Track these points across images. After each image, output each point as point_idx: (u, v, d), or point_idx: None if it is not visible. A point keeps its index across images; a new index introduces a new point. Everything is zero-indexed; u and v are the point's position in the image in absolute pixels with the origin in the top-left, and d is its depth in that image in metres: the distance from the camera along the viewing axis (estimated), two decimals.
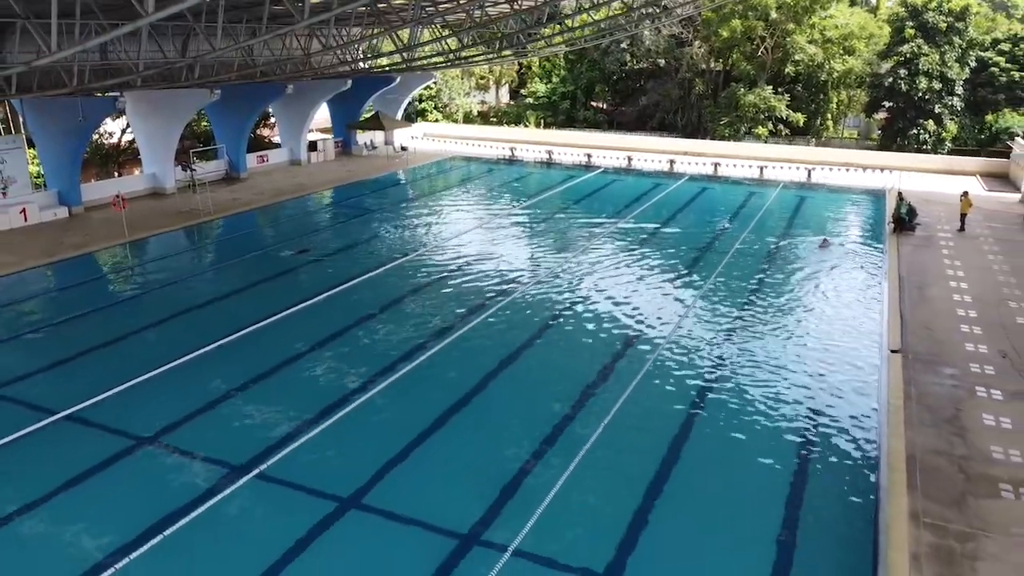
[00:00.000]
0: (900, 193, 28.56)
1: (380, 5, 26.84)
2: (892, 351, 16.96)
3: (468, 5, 26.97)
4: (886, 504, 11.41)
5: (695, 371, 16.42)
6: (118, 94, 27.84)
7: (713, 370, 16.47)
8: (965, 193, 27.96)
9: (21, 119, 33.73)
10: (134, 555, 10.25)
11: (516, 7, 28.03)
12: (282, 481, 12.13)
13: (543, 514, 11.22)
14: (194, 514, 11.15)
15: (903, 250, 25.15)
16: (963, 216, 27.64)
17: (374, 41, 35.87)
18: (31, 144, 30.88)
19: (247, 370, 16.02)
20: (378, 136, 45.88)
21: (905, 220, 26.99)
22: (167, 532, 10.72)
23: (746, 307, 20.53)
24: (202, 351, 16.93)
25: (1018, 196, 32.94)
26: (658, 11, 36.12)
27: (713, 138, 48.52)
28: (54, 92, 22.83)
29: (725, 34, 46.17)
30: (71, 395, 14.68)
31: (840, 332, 18.80)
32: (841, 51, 48.09)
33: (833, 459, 13.06)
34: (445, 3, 28.56)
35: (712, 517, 11.49)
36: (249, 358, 16.74)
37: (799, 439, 13.68)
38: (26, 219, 26.71)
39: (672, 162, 40.45)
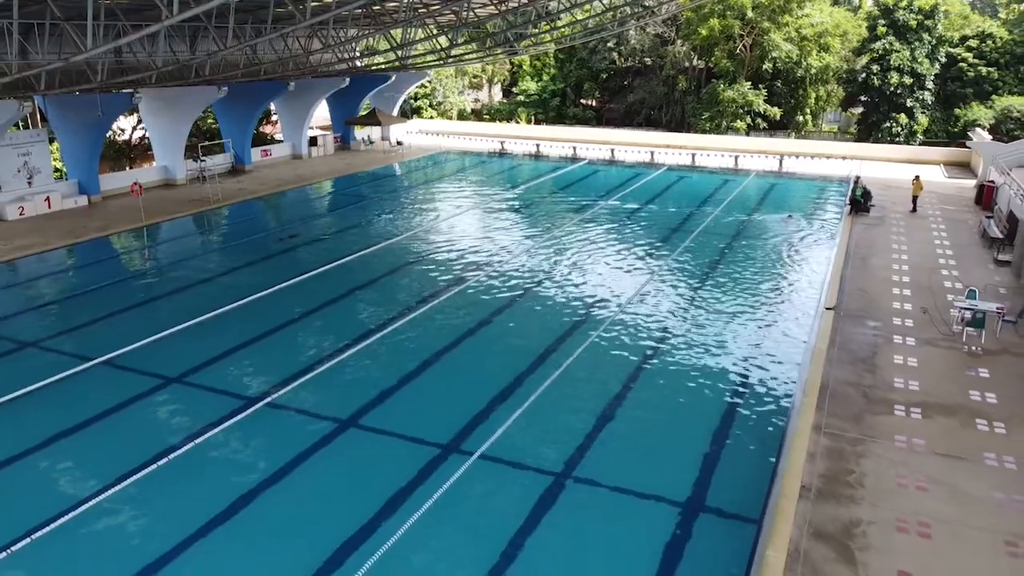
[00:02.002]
0: (857, 178, 30.78)
1: (374, 7, 29.16)
2: (827, 308, 19.21)
3: (455, 5, 29.21)
4: (795, 419, 13.66)
5: (657, 319, 18.87)
6: (133, 90, 30.07)
7: (673, 318, 18.94)
8: (916, 177, 30.22)
9: (38, 115, 36.08)
10: (171, 456, 12.51)
11: (501, 8, 30.31)
12: (288, 407, 14.37)
13: (507, 429, 13.51)
14: (217, 429, 13.43)
15: (855, 228, 27.41)
16: (915, 198, 29.92)
17: (370, 41, 38.14)
18: (51, 138, 33.13)
19: (256, 327, 18.28)
20: (375, 132, 48.20)
21: (860, 202, 29.23)
22: (197, 441, 13.00)
23: (708, 272, 22.89)
24: (216, 313, 19.19)
25: (973, 182, 35.14)
26: (640, 10, 38.33)
27: (695, 132, 50.79)
28: (78, 88, 25.06)
29: (704, 33, 48.46)
30: (106, 345, 16.93)
31: (786, 294, 21.16)
32: (817, 48, 50.34)
33: (762, 388, 15.34)
34: (435, 4, 30.84)
35: (658, 427, 13.85)
36: (257, 319, 18.96)
37: (737, 373, 15.97)
38: (50, 206, 29.02)
39: (652, 154, 42.74)
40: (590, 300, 20.51)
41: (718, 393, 15.18)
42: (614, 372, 16.06)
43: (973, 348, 16.67)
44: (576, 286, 21.69)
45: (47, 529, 10.69)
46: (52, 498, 11.45)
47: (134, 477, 11.94)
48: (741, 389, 15.33)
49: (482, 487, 11.92)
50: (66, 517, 10.96)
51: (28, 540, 10.45)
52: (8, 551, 10.22)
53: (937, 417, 13.63)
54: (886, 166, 40.59)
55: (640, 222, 29.44)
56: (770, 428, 13.83)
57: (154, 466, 12.25)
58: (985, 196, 30.45)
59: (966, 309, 17.22)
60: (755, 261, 24.31)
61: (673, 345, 17.46)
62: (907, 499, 11.18)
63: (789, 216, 29.44)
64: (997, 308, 17.33)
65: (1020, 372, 15.49)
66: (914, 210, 29.68)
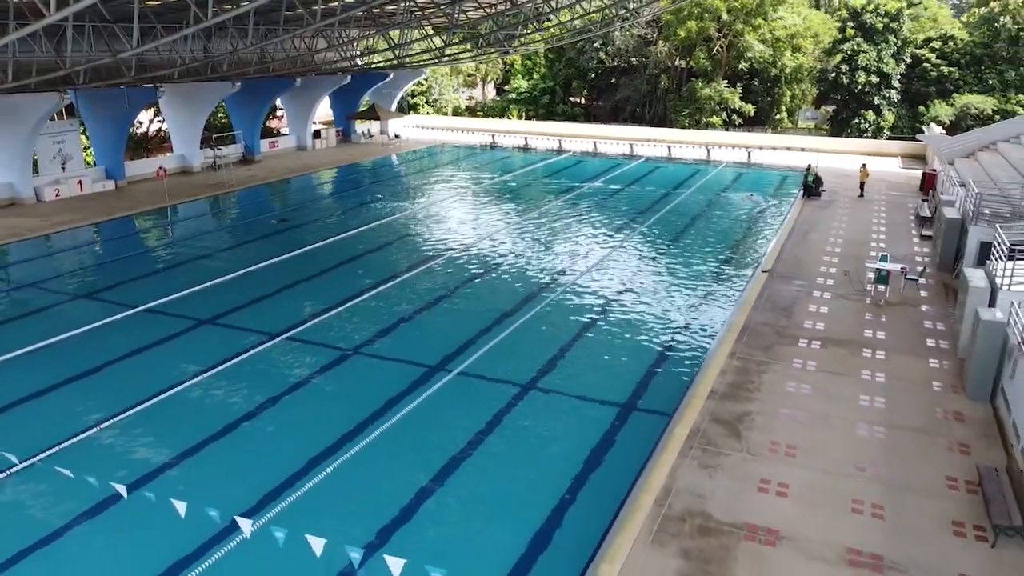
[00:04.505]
0: (809, 165, 33.93)
1: (374, 10, 32.30)
2: (764, 271, 22.41)
3: (448, 9, 32.40)
4: (715, 348, 16.85)
5: (619, 277, 22.34)
6: (156, 85, 33.17)
7: (632, 276, 22.39)
8: (863, 165, 33.45)
9: (63, 108, 39.09)
10: (210, 373, 15.70)
11: (488, 11, 33.49)
12: (305, 341, 17.55)
13: (482, 352, 16.72)
14: (244, 356, 16.61)
15: (805, 210, 30.62)
16: (862, 184, 33.12)
17: (370, 41, 41.31)
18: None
19: (273, 285, 21.47)
20: (374, 126, 51.41)
21: (812, 187, 32.43)
22: (227, 364, 16.17)
23: (668, 244, 26.23)
24: (237, 274, 22.36)
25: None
26: (623, 12, 41.42)
27: (676, 128, 53.95)
28: (112, 83, 28.20)
29: (682, 34, 51.66)
30: (146, 297, 20.12)
31: (731, 261, 24.37)
32: (790, 49, 53.48)
33: (696, 328, 18.61)
34: (430, 7, 34.04)
35: (609, 353, 17.07)
36: (273, 279, 22.08)
37: (678, 318, 19.23)
38: (82, 189, 32.18)
39: (632, 146, 45.97)
40: (563, 262, 23.85)
41: (660, 331, 18.38)
42: (578, 315, 19.29)
43: (880, 301, 19.83)
44: (552, 252, 25.04)
45: (113, 421, 13.88)
46: (117, 401, 14.61)
47: (178, 388, 15.16)
48: (679, 328, 18.55)
49: (458, 394, 15.09)
50: (137, 408, 14.16)
51: (107, 424, 13.65)
52: (84, 435, 13.41)
53: (832, 348, 16.79)
54: (849, 158, 43.70)
55: (614, 204, 32.71)
56: (696, 356, 17.02)
57: (197, 378, 15.47)
58: (927, 182, 33.66)
59: (874, 269, 20.40)
60: (710, 236, 27.53)
61: (630, 296, 20.74)
62: (791, 399, 14.35)
63: (750, 195, 32.76)
64: (901, 268, 20.53)
65: (912, 318, 18.67)
66: (861, 195, 32.86)
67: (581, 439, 13.39)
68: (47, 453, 12.59)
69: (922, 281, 20.98)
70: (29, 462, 12.29)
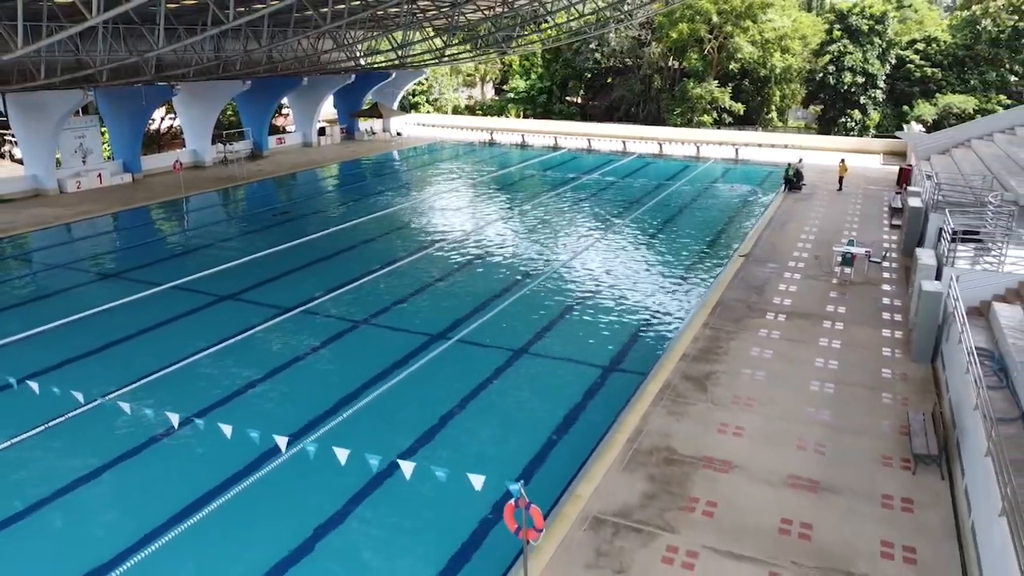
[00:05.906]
0: (791, 162, 35.74)
1: (378, 12, 34.08)
2: (741, 256, 24.19)
3: (448, 11, 34.18)
4: (690, 320, 18.63)
5: (606, 261, 24.04)
6: (172, 84, 34.96)
7: (619, 259, 24.14)
8: (842, 160, 35.24)
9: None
10: (220, 347, 17.45)
11: (487, 13, 35.28)
12: (317, 313, 19.33)
13: (480, 323, 18.51)
14: (265, 325, 18.40)
15: (785, 202, 32.40)
16: (841, 178, 34.90)
17: (373, 42, 43.12)
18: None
19: (287, 265, 23.26)
20: (377, 123, 53.20)
21: (793, 181, 34.22)
22: (243, 336, 17.90)
23: (654, 232, 27.97)
24: (255, 256, 24.17)
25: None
26: (617, 14, 43.19)
27: (668, 126, 55.73)
28: (133, 80, 29.95)
29: (674, 36, 53.48)
30: (171, 275, 21.94)
31: (713, 248, 26.15)
32: (779, 50, 55.25)
33: (674, 304, 20.37)
34: (431, 10, 35.82)
35: (595, 324, 18.82)
36: (288, 260, 23.89)
37: (660, 295, 21.01)
38: (101, 182, 33.98)
39: (624, 143, 47.77)
40: (555, 248, 25.63)
41: (643, 307, 20.18)
42: (567, 293, 21.08)
43: (845, 282, 21.59)
44: (545, 238, 26.82)
45: (163, 372, 15.67)
46: (157, 360, 16.39)
47: (206, 352, 16.96)
48: (659, 304, 20.35)
49: (456, 359, 16.87)
50: (180, 364, 15.94)
51: (153, 376, 15.43)
52: (134, 384, 15.19)
53: (796, 320, 18.56)
54: (833, 155, 45.48)
55: (606, 196, 34.52)
56: (673, 327, 18.80)
57: (221, 345, 17.26)
58: (903, 177, 35.44)
59: (840, 252, 22.18)
60: (694, 225, 29.35)
61: (615, 277, 22.54)
62: (754, 361, 16.11)
63: (735, 187, 34.70)
64: (865, 251, 22.33)
65: (872, 295, 20.43)
66: (840, 189, 34.64)
67: (567, 392, 15.18)
68: (115, 393, 14.39)
69: (885, 264, 22.77)
70: (96, 402, 14.02)
